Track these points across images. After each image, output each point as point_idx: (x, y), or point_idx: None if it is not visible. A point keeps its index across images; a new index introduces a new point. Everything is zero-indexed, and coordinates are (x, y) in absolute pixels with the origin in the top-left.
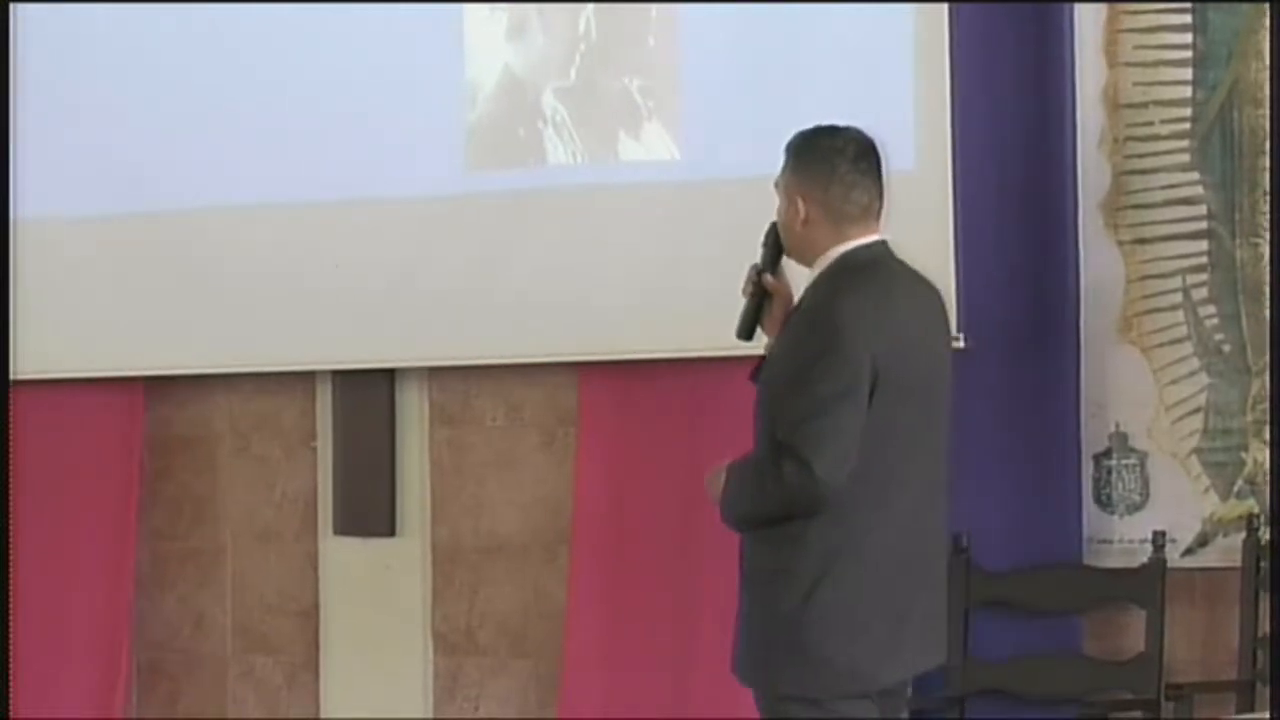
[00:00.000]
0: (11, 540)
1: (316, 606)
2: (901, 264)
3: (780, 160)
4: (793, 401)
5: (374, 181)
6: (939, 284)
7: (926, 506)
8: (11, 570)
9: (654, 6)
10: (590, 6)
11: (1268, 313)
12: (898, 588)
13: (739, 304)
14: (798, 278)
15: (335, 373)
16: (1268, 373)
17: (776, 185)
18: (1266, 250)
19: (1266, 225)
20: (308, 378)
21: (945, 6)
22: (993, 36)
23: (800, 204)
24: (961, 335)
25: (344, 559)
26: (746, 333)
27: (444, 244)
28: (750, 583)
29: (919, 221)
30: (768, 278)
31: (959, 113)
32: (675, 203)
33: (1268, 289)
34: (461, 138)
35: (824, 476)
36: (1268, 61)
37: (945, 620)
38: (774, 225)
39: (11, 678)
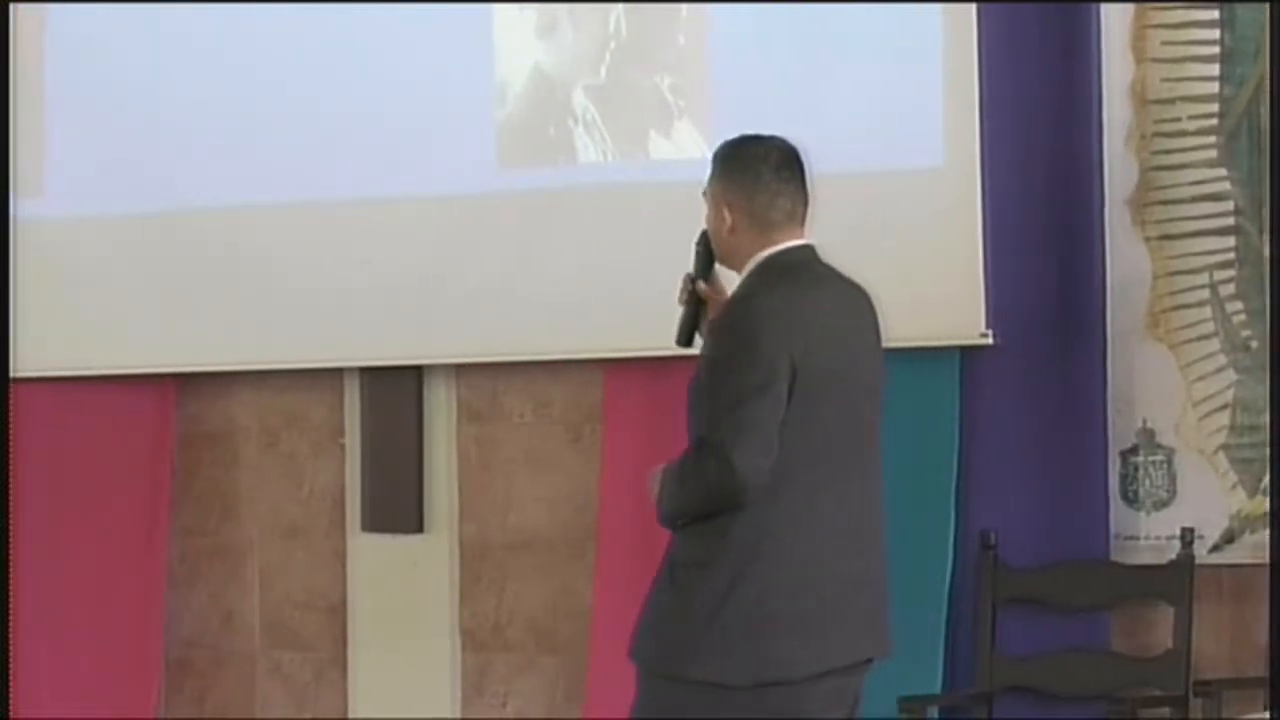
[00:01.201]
0: (12, 539)
1: (344, 603)
2: (827, 267)
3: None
4: (711, 397)
5: (404, 179)
6: (967, 280)
7: (855, 501)
8: (22, 566)
9: (684, 5)
10: (620, 5)
11: None
12: (820, 581)
13: None
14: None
15: (363, 370)
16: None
17: (705, 193)
18: None
19: None
20: (336, 375)
21: (974, 6)
22: (1020, 34)
23: (726, 212)
24: (990, 332)
25: (372, 555)
26: (686, 339)
27: (473, 242)
28: (673, 572)
29: (948, 218)
30: (701, 285)
31: (987, 110)
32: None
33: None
34: (491, 136)
35: (743, 469)
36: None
37: (884, 611)
38: (705, 233)
39: (49, 674)
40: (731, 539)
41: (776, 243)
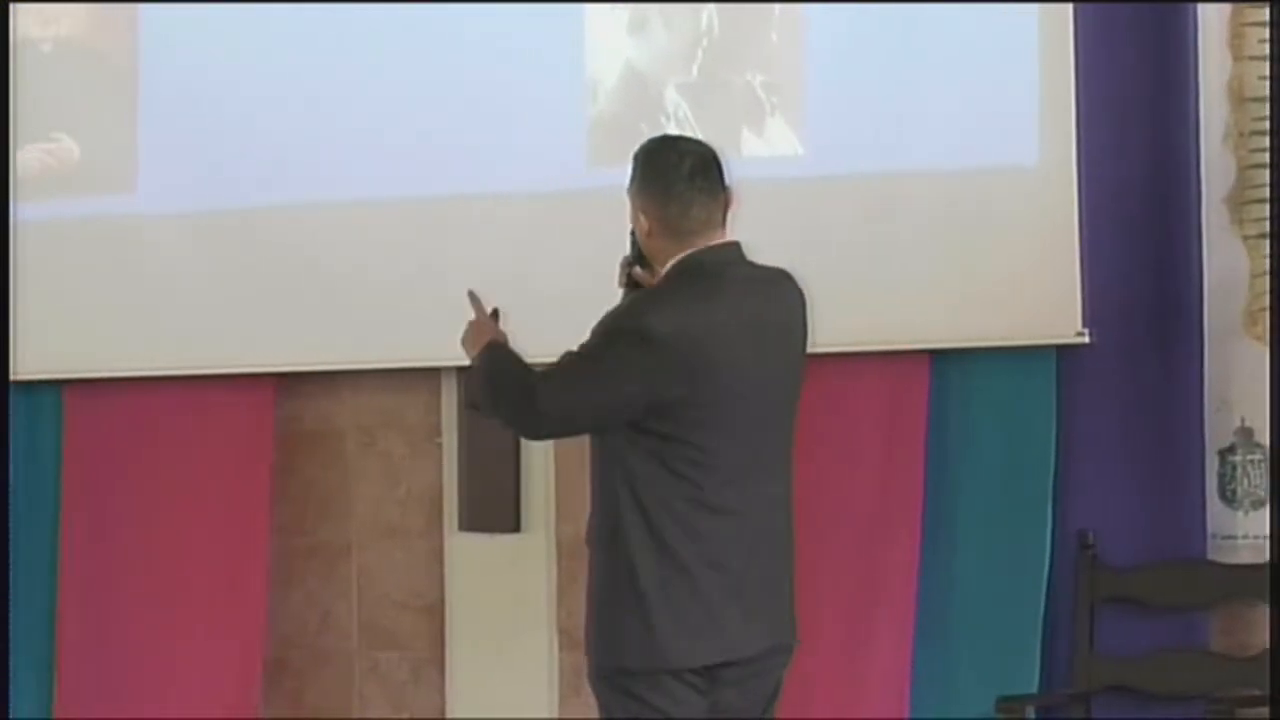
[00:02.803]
0: (115, 538)
1: (442, 602)
2: (749, 266)
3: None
4: (583, 350)
5: (496, 177)
6: (1063, 279)
7: (758, 502)
8: (125, 565)
9: (777, 5)
10: (712, 4)
11: None
12: (716, 577)
13: (863, 299)
14: None
15: (460, 369)
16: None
17: (628, 193)
18: None
19: None
20: (433, 374)
21: (1070, 5)
22: (1117, 32)
23: (642, 217)
24: (1087, 331)
25: (469, 555)
26: None
27: (566, 239)
28: (590, 567)
29: (1043, 216)
30: (637, 270)
31: (1082, 107)
32: (798, 198)
33: None
34: (583, 133)
35: (542, 411)
36: None
37: (787, 605)
38: None
39: (152, 674)
40: (632, 535)
41: (693, 246)
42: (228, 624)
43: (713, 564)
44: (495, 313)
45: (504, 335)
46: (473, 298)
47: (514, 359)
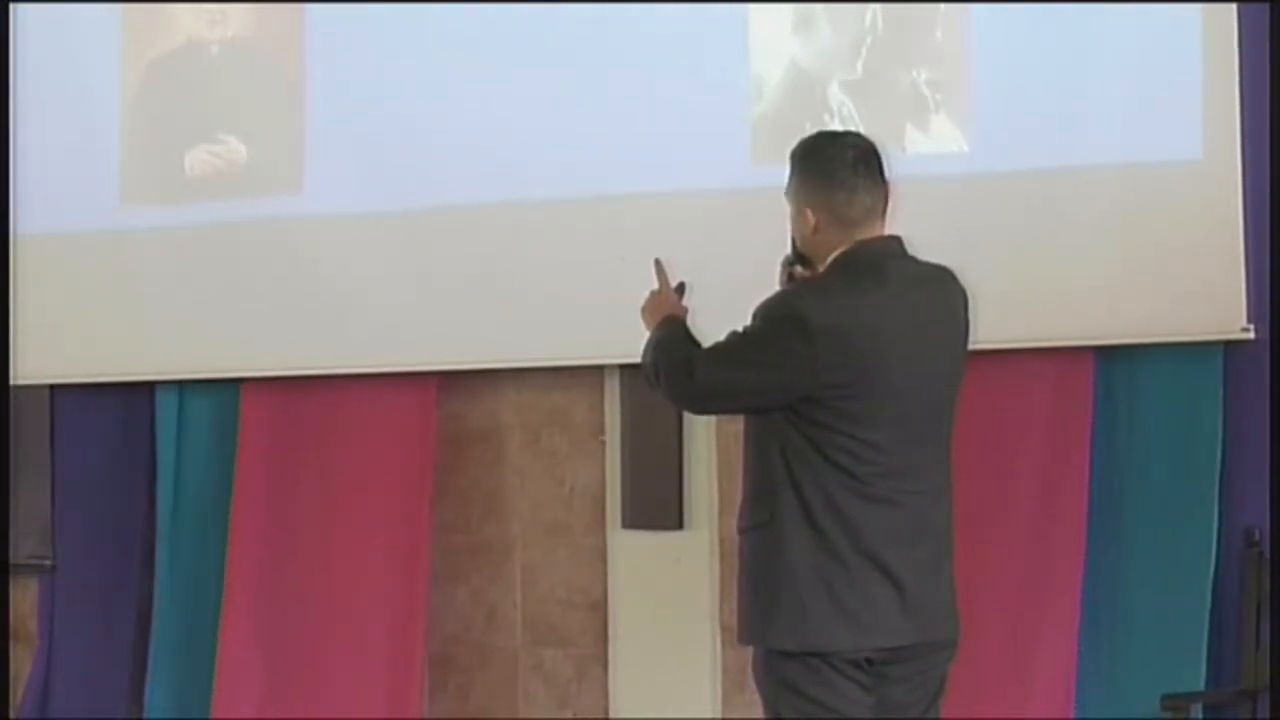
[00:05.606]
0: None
1: (605, 600)
2: (910, 260)
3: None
4: (744, 331)
5: (661, 175)
6: (1227, 273)
7: (916, 494)
8: (291, 562)
9: (942, 4)
10: (877, 4)
11: None
12: (870, 567)
13: (1027, 295)
14: None
15: (623, 366)
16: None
17: (786, 194)
18: None
19: None
20: (596, 371)
21: (1234, 5)
22: None
23: (809, 212)
24: (1251, 326)
25: (632, 552)
26: None
27: (731, 237)
28: (740, 552)
29: (1206, 211)
30: (798, 269)
31: (1247, 101)
32: (963, 195)
33: None
34: (747, 131)
35: (697, 384)
36: None
37: (943, 597)
38: None
39: (315, 671)
40: (784, 514)
41: (858, 238)
42: (390, 622)
43: (867, 553)
44: (681, 286)
45: (685, 310)
46: (659, 266)
47: (685, 334)
